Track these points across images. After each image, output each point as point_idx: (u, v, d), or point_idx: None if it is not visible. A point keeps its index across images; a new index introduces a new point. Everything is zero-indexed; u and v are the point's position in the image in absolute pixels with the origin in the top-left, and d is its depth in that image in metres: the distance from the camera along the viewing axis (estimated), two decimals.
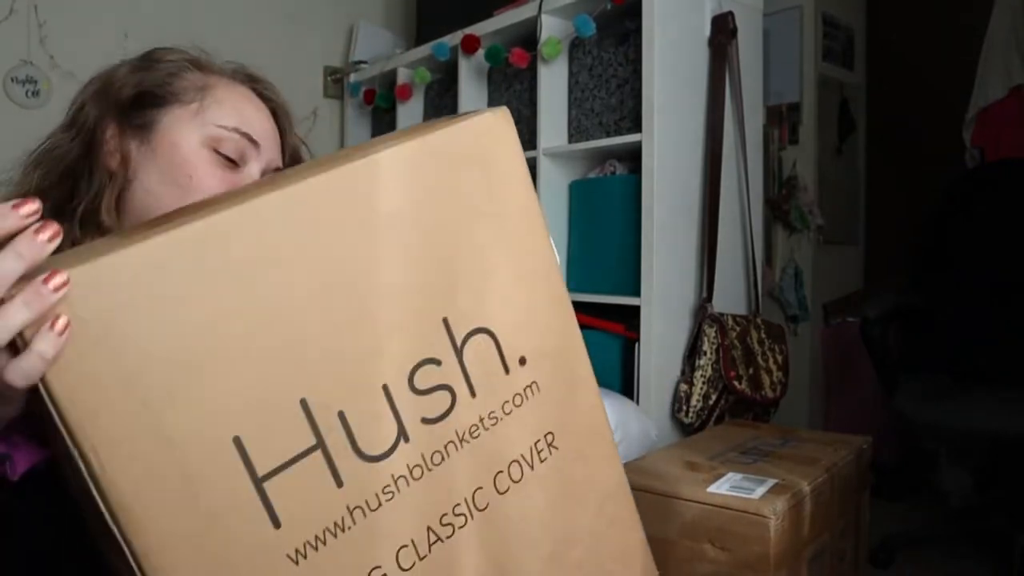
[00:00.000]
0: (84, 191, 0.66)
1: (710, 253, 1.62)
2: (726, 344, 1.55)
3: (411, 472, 0.47)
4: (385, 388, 0.47)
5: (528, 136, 1.87)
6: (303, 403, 0.43)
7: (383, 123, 2.43)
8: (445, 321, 0.50)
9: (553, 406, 0.55)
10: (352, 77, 2.47)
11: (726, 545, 1.03)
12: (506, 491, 0.52)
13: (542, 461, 0.54)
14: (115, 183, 0.66)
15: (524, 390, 0.53)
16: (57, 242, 0.39)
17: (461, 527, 0.50)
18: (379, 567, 0.46)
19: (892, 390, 1.90)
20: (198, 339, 0.40)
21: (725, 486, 1.08)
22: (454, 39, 2.00)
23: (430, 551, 0.48)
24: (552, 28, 1.76)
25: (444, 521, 0.49)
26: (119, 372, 0.38)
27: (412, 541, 0.47)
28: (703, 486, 1.08)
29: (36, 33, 1.97)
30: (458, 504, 0.50)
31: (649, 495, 1.11)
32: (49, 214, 0.65)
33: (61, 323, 0.36)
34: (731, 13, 1.64)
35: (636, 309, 1.56)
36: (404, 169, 0.48)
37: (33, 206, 0.39)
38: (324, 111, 2.54)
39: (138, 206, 0.67)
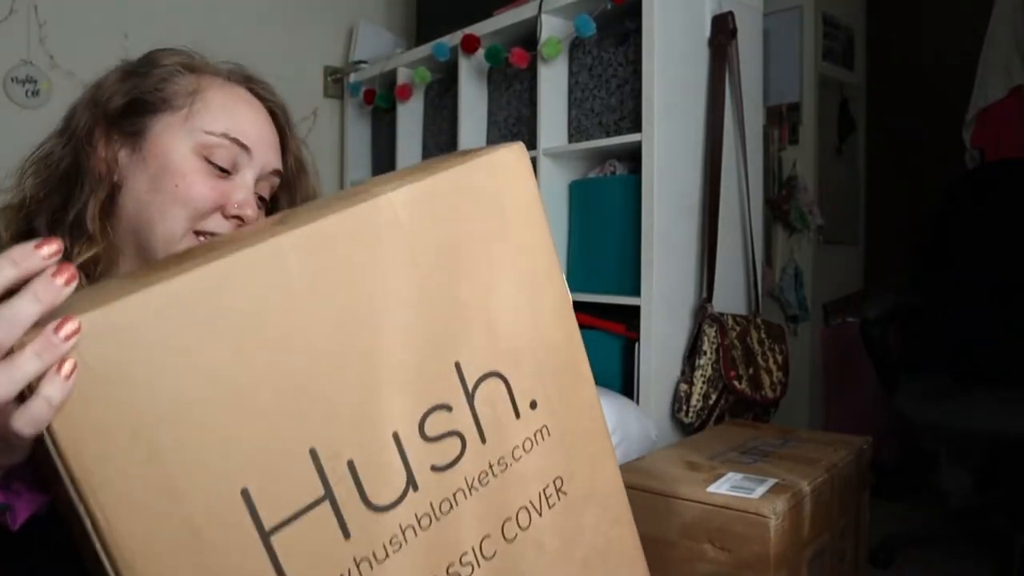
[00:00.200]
0: (76, 199, 0.65)
1: (710, 253, 1.62)
2: (726, 344, 1.55)
3: (419, 522, 0.46)
4: (395, 436, 0.45)
5: (528, 136, 1.87)
6: (313, 453, 0.42)
7: (383, 123, 2.43)
8: (457, 365, 0.48)
9: (562, 450, 0.54)
10: (352, 77, 2.47)
11: (726, 545, 1.03)
12: (514, 538, 0.51)
13: (550, 507, 0.53)
14: (102, 191, 0.65)
15: (534, 435, 0.52)
16: (73, 286, 0.38)
17: None
18: None
19: (892, 390, 1.90)
20: (206, 388, 0.39)
21: (725, 486, 1.08)
22: (454, 39, 2.00)
23: None
24: (552, 28, 1.76)
25: (451, 571, 0.48)
26: (126, 421, 0.37)
27: None
28: (703, 486, 1.08)
29: (36, 33, 1.97)
30: (465, 553, 0.48)
31: (649, 495, 1.11)
32: (45, 222, 0.64)
33: (68, 367, 0.35)
34: (731, 13, 1.64)
35: (636, 309, 1.56)
36: (417, 209, 0.47)
37: (53, 247, 0.38)
38: (324, 111, 2.54)
39: (128, 214, 0.66)
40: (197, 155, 0.66)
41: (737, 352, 1.58)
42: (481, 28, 1.93)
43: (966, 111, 2.48)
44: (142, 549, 0.37)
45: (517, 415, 0.51)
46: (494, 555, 0.50)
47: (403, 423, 0.46)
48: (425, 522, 0.46)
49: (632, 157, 1.70)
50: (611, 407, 1.49)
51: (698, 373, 1.54)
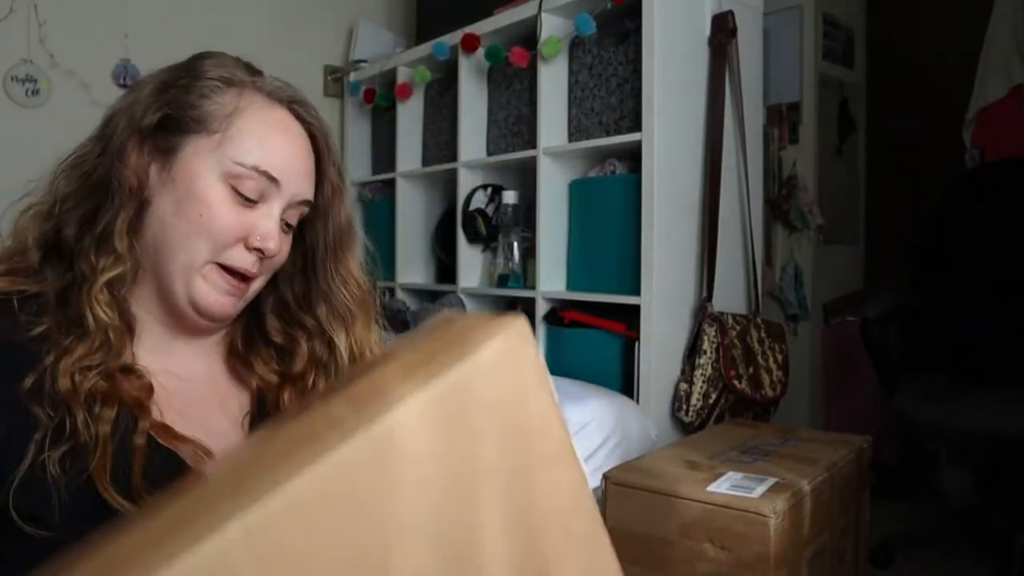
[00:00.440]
0: (106, 210, 0.64)
1: (710, 252, 1.62)
2: (726, 343, 1.55)
3: None
4: None
5: (528, 135, 1.87)
6: None
7: (383, 122, 2.43)
8: None
9: None
10: (352, 76, 2.47)
11: (726, 544, 1.03)
12: None
13: None
14: (131, 206, 0.64)
15: None
16: None
17: None
18: None
19: (892, 390, 1.90)
20: None
21: (725, 485, 1.08)
22: (454, 38, 1.99)
23: None
24: (552, 27, 1.76)
25: None
26: None
27: None
28: (703, 485, 1.08)
29: (36, 32, 1.97)
30: None
31: (649, 494, 1.11)
32: (74, 231, 0.63)
33: None
34: (731, 12, 1.64)
35: (636, 308, 1.56)
36: (427, 430, 0.43)
37: None
38: (324, 110, 2.49)
39: (153, 233, 0.65)
40: (224, 183, 0.65)
41: (737, 351, 1.58)
42: (481, 27, 1.93)
43: (966, 111, 2.48)
44: None
45: None
46: None
47: None
48: None
49: (632, 156, 1.70)
50: (611, 407, 1.49)
51: (698, 372, 1.54)
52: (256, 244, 0.66)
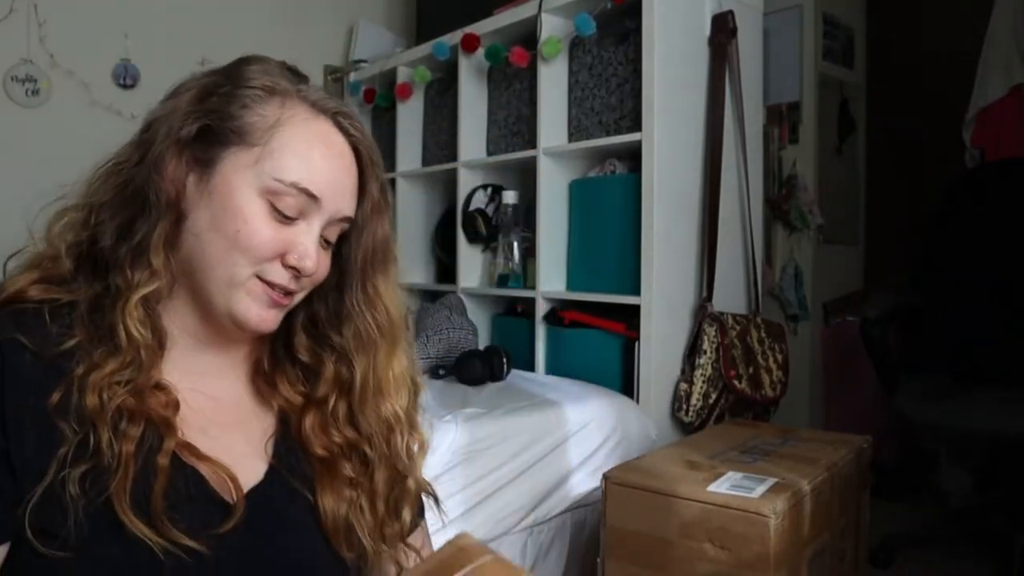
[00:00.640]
0: (143, 221, 0.62)
1: (710, 252, 1.62)
2: (726, 343, 1.55)
3: None
4: None
5: (528, 135, 1.87)
6: None
7: (383, 122, 2.43)
8: None
9: None
10: (352, 76, 2.47)
11: (726, 544, 1.03)
12: None
13: None
14: (168, 219, 0.62)
15: None
16: None
17: None
18: None
19: (892, 390, 1.90)
20: None
21: (725, 485, 1.08)
22: (454, 38, 1.99)
23: None
24: (552, 27, 1.76)
25: None
26: None
27: None
28: (703, 485, 1.08)
29: (36, 32, 1.97)
30: None
31: (649, 494, 1.11)
32: (111, 241, 0.62)
33: None
34: (731, 12, 1.64)
35: (636, 308, 1.56)
36: None
37: None
38: None
39: (189, 248, 0.63)
40: (263, 198, 0.63)
41: (737, 351, 1.58)
42: (481, 27, 1.93)
43: (966, 111, 2.48)
44: None
45: None
46: None
47: None
48: None
49: (632, 156, 1.70)
50: (611, 407, 1.49)
51: (698, 372, 1.54)
52: (293, 262, 0.64)
